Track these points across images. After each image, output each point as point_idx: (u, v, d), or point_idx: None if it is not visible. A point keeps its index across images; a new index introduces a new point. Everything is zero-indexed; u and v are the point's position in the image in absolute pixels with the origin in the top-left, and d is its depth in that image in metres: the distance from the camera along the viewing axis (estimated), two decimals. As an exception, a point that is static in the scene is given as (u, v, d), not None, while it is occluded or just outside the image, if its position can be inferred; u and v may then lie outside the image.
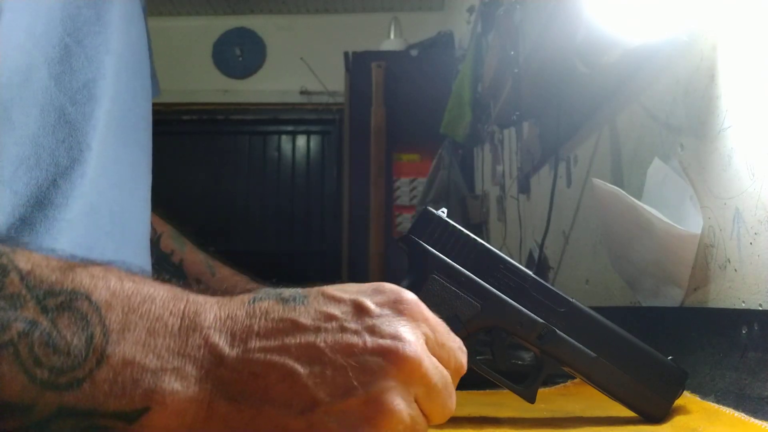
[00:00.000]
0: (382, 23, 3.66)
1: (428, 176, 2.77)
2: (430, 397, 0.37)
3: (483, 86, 1.93)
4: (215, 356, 0.35)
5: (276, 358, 0.35)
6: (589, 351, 0.53)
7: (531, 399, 0.54)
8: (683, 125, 0.80)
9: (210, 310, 0.36)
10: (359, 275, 2.94)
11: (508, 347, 0.54)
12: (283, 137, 4.12)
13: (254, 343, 0.35)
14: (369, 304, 0.38)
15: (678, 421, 0.54)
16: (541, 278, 0.55)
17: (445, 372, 0.39)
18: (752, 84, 0.65)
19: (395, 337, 0.37)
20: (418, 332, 0.38)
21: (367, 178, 3.06)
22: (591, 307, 0.55)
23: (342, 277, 3.08)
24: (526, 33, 1.32)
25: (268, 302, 0.37)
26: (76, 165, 0.51)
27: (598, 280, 1.18)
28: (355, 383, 0.35)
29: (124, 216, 0.58)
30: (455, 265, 0.54)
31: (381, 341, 0.36)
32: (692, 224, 0.73)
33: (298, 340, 0.36)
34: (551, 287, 0.55)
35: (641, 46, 0.83)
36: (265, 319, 0.36)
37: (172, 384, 0.34)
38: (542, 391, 0.60)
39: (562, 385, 0.78)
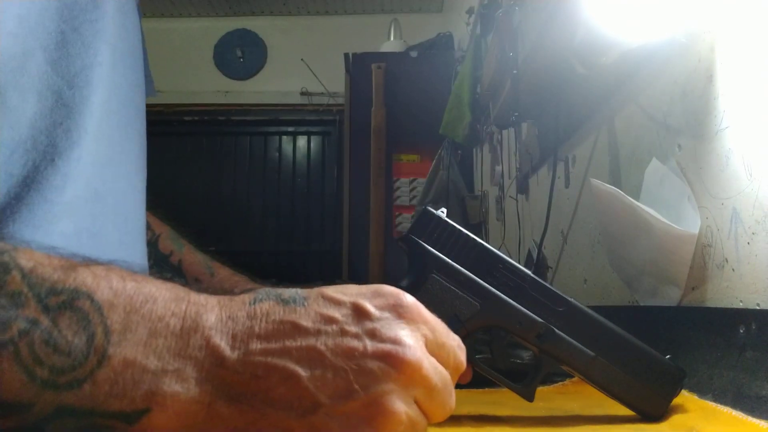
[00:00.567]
0: (382, 25, 3.66)
1: (428, 176, 2.77)
2: (430, 398, 0.38)
3: (482, 87, 1.93)
4: (216, 358, 0.35)
5: (277, 360, 0.35)
6: (587, 350, 0.54)
7: (530, 397, 0.54)
8: (681, 126, 0.81)
9: (211, 311, 0.36)
10: (359, 275, 2.94)
11: (507, 346, 0.55)
12: (284, 138, 4.12)
13: (255, 345, 0.36)
14: (369, 307, 0.38)
15: (676, 419, 0.54)
16: (539, 278, 0.55)
17: (445, 372, 0.39)
18: (750, 85, 0.65)
19: (395, 341, 0.37)
20: (418, 335, 0.38)
21: (367, 178, 3.06)
22: (589, 307, 0.56)
23: (342, 277, 3.08)
24: (524, 34, 1.32)
25: (268, 303, 0.37)
26: (74, 147, 0.51)
27: (596, 279, 1.19)
28: (356, 386, 0.35)
29: (126, 205, 0.58)
30: (455, 264, 0.54)
31: (381, 345, 0.37)
32: (690, 224, 0.74)
33: (298, 343, 0.36)
34: (550, 287, 0.55)
35: (639, 47, 0.84)
36: (266, 321, 0.36)
37: (173, 385, 0.34)
38: (541, 390, 0.61)
39: (560, 383, 0.78)
